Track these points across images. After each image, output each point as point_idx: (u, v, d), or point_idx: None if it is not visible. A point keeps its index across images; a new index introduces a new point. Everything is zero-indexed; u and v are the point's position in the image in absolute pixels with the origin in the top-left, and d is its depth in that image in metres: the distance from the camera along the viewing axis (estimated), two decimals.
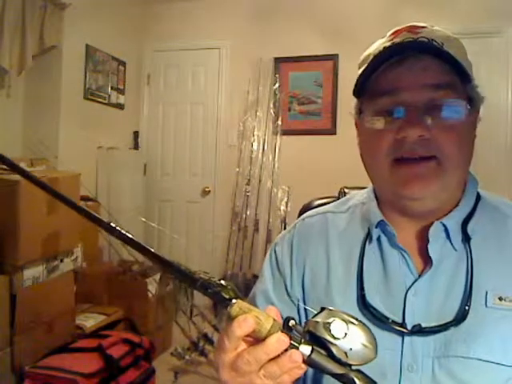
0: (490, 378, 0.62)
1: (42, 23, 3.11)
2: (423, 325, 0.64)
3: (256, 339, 0.49)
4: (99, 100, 3.72)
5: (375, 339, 0.49)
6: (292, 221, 0.89)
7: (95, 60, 3.65)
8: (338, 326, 0.48)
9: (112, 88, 3.88)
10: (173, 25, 4.17)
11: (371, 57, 0.67)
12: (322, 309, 0.50)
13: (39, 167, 2.80)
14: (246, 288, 3.57)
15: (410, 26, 0.69)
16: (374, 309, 0.67)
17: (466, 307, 0.64)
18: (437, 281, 0.67)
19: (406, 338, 0.66)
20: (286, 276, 0.78)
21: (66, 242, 2.41)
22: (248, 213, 3.89)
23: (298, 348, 0.48)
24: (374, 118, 0.68)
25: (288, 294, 0.77)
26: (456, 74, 0.64)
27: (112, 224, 0.55)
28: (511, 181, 3.38)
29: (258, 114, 3.90)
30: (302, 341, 0.49)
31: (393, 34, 0.69)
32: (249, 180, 3.89)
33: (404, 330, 0.65)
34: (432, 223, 0.68)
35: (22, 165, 2.74)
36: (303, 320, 0.74)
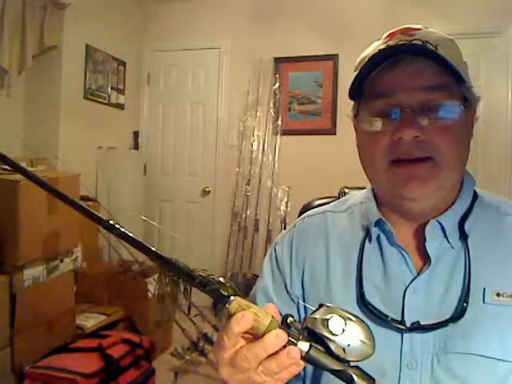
0: (489, 374, 0.63)
1: (42, 23, 3.11)
2: (422, 322, 0.65)
3: (255, 336, 0.49)
4: (99, 100, 3.72)
5: (373, 335, 0.49)
6: (292, 221, 0.90)
7: (95, 60, 3.65)
8: (335, 323, 0.48)
9: (112, 88, 3.88)
10: (173, 25, 4.17)
11: (366, 59, 0.68)
12: (320, 305, 0.50)
13: (39, 167, 2.81)
14: (246, 288, 3.57)
15: (405, 28, 0.70)
16: (373, 307, 0.68)
17: (464, 304, 0.64)
18: (435, 279, 0.68)
19: (405, 336, 0.66)
20: (285, 275, 0.79)
21: (66, 241, 2.41)
22: (248, 213, 3.89)
23: (296, 344, 0.48)
24: (370, 119, 0.69)
25: (288, 293, 0.78)
26: (450, 76, 0.65)
27: (111, 221, 0.55)
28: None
29: (257, 114, 3.90)
30: (301, 337, 0.49)
31: (388, 36, 0.70)
32: (249, 180, 3.89)
33: (402, 327, 0.66)
34: (429, 221, 0.69)
35: (23, 165, 2.74)
36: (302, 317, 0.75)
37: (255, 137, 3.90)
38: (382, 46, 0.67)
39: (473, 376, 0.63)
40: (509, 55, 3.42)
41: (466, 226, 0.69)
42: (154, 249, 0.55)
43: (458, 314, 0.64)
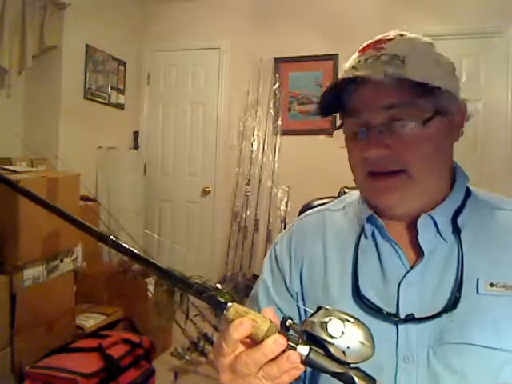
0: (485, 364, 0.63)
1: (42, 23, 3.11)
2: (417, 315, 0.66)
3: (254, 341, 0.50)
4: (99, 100, 3.72)
5: (372, 336, 0.49)
6: (292, 221, 0.92)
7: (95, 60, 3.65)
8: (334, 325, 0.48)
9: (112, 88, 3.88)
10: (173, 25, 4.17)
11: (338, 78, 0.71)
12: (319, 308, 0.50)
13: (39, 167, 2.81)
14: (246, 288, 3.57)
15: (377, 40, 0.72)
16: (368, 300, 0.70)
17: (457, 295, 0.66)
18: (429, 272, 0.70)
19: (401, 328, 0.67)
20: (285, 272, 0.81)
21: (66, 241, 2.40)
22: (248, 213, 3.89)
23: (295, 349, 0.48)
24: (347, 136, 0.74)
25: (288, 290, 0.80)
26: (416, 89, 0.66)
27: (99, 230, 0.55)
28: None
29: (257, 113, 3.91)
30: (300, 341, 0.49)
31: (361, 50, 0.72)
32: (249, 180, 3.89)
33: (396, 319, 0.67)
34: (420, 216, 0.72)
35: (23, 165, 2.74)
36: (302, 314, 0.77)
37: (255, 137, 3.90)
38: (354, 63, 0.70)
39: (469, 367, 0.64)
40: (509, 55, 3.42)
41: (459, 221, 0.71)
42: (147, 258, 0.55)
43: (452, 304, 0.66)
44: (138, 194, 3.96)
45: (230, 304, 0.50)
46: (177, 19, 4.16)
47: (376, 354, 0.49)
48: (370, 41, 0.72)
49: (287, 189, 3.76)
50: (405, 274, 0.70)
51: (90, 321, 2.57)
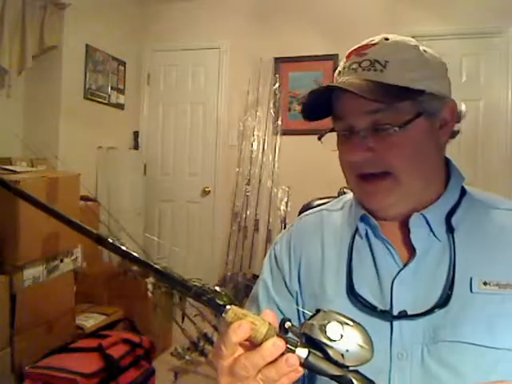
0: (478, 361, 0.64)
1: (42, 23, 3.11)
2: (410, 312, 0.67)
3: (253, 343, 0.49)
4: (99, 100, 3.72)
5: (371, 339, 0.49)
6: (292, 221, 0.92)
7: (95, 60, 3.65)
8: (333, 328, 0.48)
9: (112, 88, 3.88)
10: (173, 25, 4.17)
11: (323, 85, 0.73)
12: (318, 310, 0.51)
13: (39, 167, 2.81)
14: (246, 288, 3.57)
15: (361, 46, 0.73)
16: (362, 298, 0.71)
17: (449, 292, 0.66)
18: (421, 270, 0.70)
19: (395, 325, 0.68)
20: (285, 272, 0.82)
21: (66, 242, 2.40)
22: (248, 213, 3.89)
23: (294, 351, 0.48)
24: (337, 139, 0.76)
25: (288, 290, 0.81)
26: (398, 93, 0.67)
27: (96, 232, 0.55)
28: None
29: (257, 114, 3.90)
30: (299, 344, 0.49)
31: (347, 56, 0.74)
32: (249, 180, 3.89)
33: (390, 316, 0.68)
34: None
35: (23, 165, 2.74)
36: (301, 314, 0.77)
37: (255, 137, 3.90)
38: (340, 69, 0.74)
39: (462, 364, 0.64)
40: (509, 55, 3.42)
41: (454, 220, 0.71)
42: (146, 261, 0.55)
43: (443, 302, 0.66)
44: (138, 194, 3.96)
45: (228, 307, 0.50)
46: (177, 19, 4.16)
47: None
48: (357, 45, 0.74)
49: (287, 189, 3.75)
50: (398, 272, 0.71)
51: (90, 321, 2.57)
